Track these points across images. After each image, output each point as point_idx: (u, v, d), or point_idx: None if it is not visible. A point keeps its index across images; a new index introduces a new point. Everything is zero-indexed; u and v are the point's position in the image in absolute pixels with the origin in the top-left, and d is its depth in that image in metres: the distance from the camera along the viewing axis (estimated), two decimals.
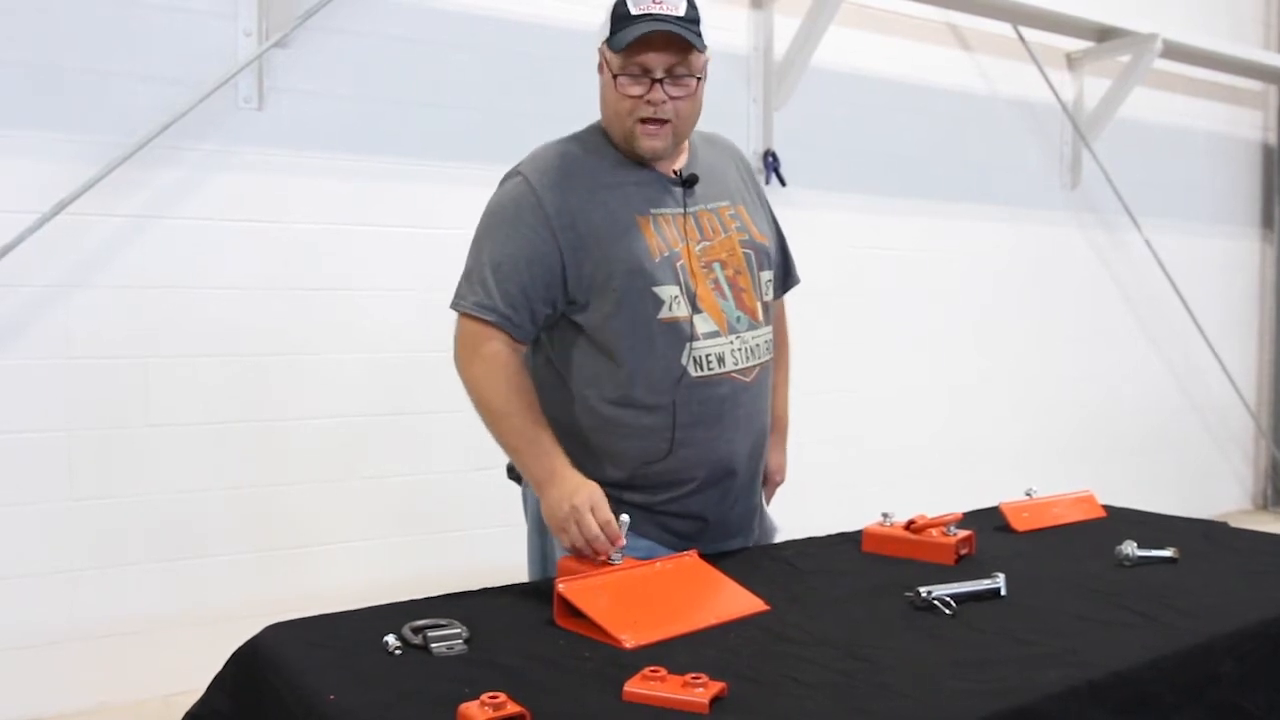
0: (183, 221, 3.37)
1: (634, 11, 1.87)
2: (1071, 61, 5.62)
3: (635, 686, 1.32)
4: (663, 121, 1.93)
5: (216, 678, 1.57)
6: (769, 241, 2.14)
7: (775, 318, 2.23)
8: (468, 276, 1.97)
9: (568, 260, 1.92)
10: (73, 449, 3.24)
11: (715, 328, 1.97)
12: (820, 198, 4.70)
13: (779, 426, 2.33)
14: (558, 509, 1.80)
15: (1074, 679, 1.43)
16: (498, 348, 1.91)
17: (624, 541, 1.77)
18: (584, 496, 1.79)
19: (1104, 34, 5.40)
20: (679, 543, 1.99)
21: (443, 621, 1.56)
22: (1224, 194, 6.55)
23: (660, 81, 1.90)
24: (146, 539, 3.35)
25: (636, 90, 1.90)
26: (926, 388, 5.12)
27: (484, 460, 3.92)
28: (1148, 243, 5.85)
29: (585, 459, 1.96)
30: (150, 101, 3.25)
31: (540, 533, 2.09)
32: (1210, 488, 6.56)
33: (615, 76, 1.91)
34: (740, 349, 2.00)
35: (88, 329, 3.24)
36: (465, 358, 1.94)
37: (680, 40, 1.86)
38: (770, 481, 2.30)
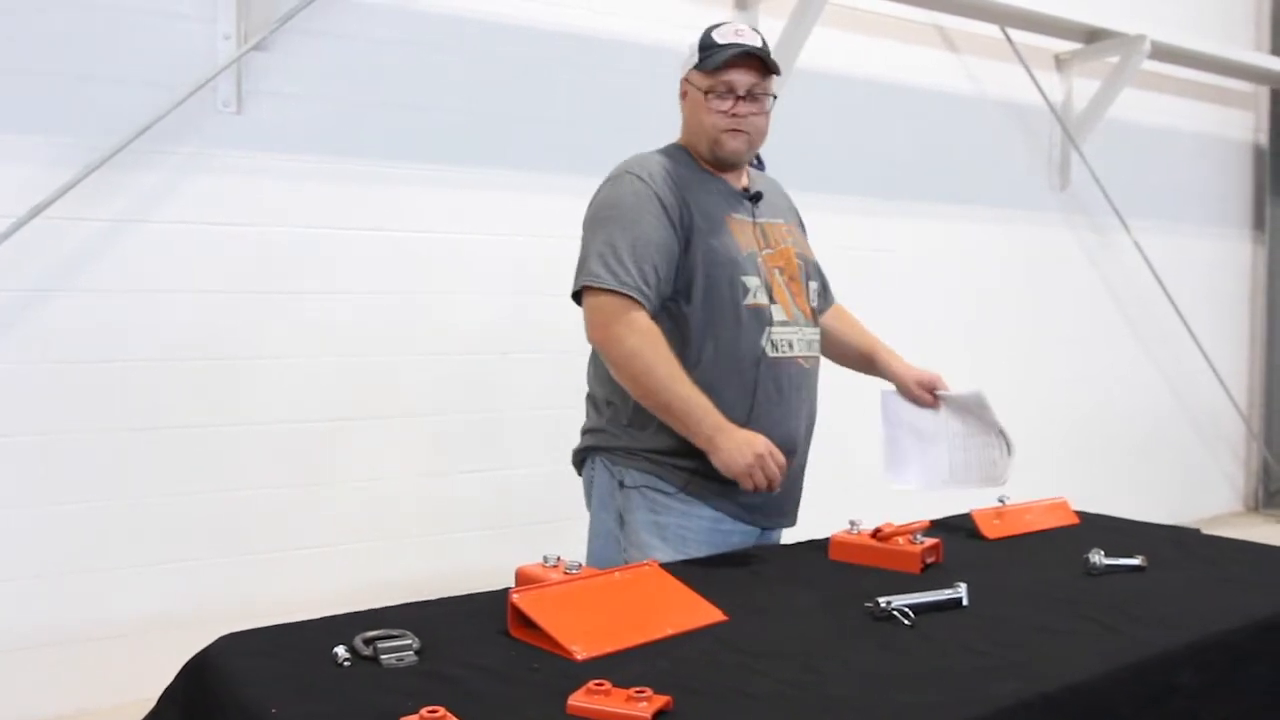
0: (161, 225, 3.36)
1: (721, 41, 2.23)
2: (1060, 63, 5.62)
3: (579, 700, 1.31)
4: (743, 131, 2.25)
5: (167, 689, 1.56)
6: (814, 258, 2.46)
7: (838, 316, 2.67)
8: (600, 258, 2.15)
9: (680, 248, 2.18)
10: (50, 452, 3.23)
11: (786, 318, 2.27)
12: (806, 200, 4.61)
13: (877, 344, 2.70)
14: (740, 456, 2.05)
15: (1026, 692, 1.42)
16: (645, 320, 2.13)
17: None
18: (763, 442, 2.07)
19: (1092, 35, 5.40)
20: (744, 514, 2.24)
21: (395, 632, 1.55)
22: (1214, 195, 6.54)
23: (742, 99, 2.22)
24: (125, 543, 3.34)
25: (724, 105, 2.23)
26: None
27: (462, 464, 3.95)
28: (1137, 244, 5.84)
29: (664, 429, 2.17)
30: (129, 105, 3.24)
31: (606, 509, 2.27)
32: (1202, 490, 6.56)
33: (705, 94, 2.23)
34: (802, 339, 2.32)
35: (65, 332, 3.23)
36: (617, 332, 2.12)
37: (760, 62, 2.22)
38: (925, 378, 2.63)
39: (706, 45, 2.25)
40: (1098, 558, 2.03)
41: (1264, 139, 6.74)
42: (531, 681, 1.43)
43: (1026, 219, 5.54)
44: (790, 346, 2.28)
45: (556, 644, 1.53)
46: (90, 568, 3.29)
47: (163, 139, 3.31)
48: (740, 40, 2.22)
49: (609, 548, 2.27)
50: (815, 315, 2.40)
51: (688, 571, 1.87)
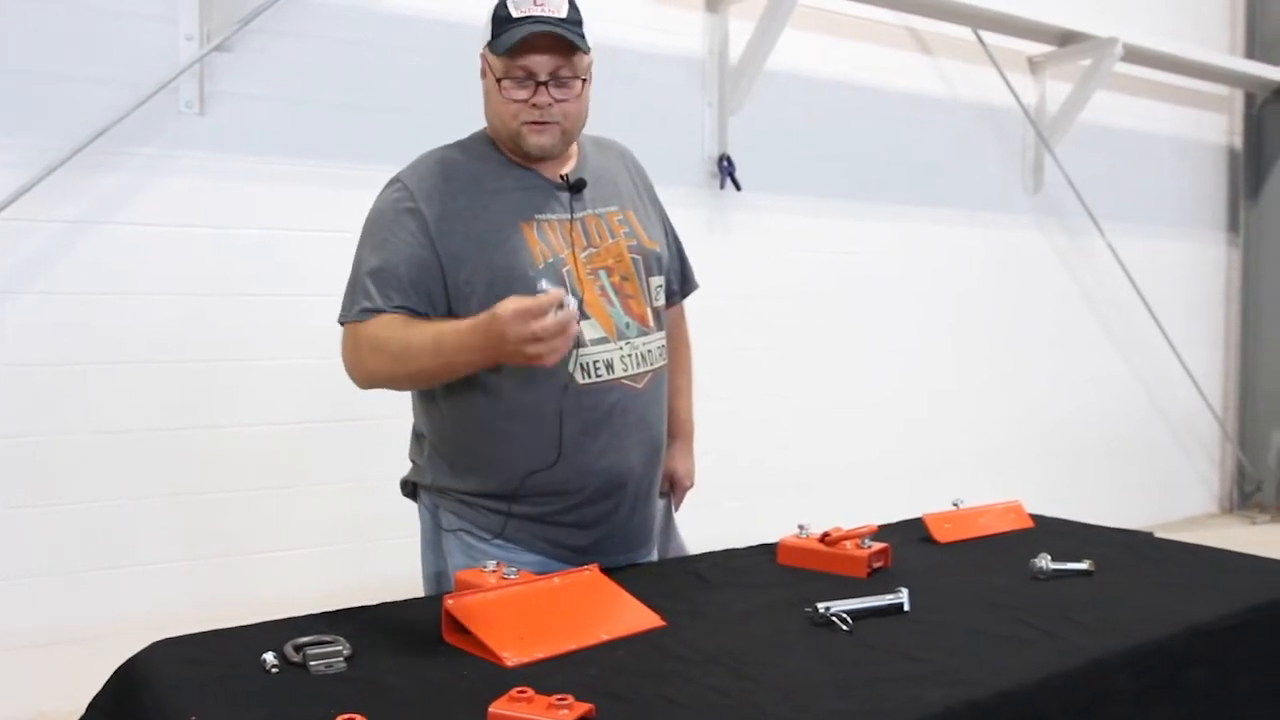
0: (124, 226, 3.34)
1: (515, 14, 1.87)
2: (1033, 65, 5.63)
3: (500, 708, 1.30)
4: (550, 123, 1.93)
5: (96, 696, 1.54)
6: (660, 247, 2.13)
7: (673, 322, 2.24)
8: (351, 288, 1.94)
9: (447, 266, 1.91)
10: (11, 456, 3.21)
11: (604, 334, 1.97)
12: (777, 202, 4.69)
13: (683, 431, 2.33)
14: (512, 352, 1.69)
15: (954, 699, 1.41)
16: (381, 327, 1.87)
17: (563, 296, 1.68)
18: (496, 331, 1.68)
19: (1065, 38, 5.42)
20: (572, 556, 1.97)
21: (327, 638, 1.54)
22: (1189, 198, 6.57)
23: (545, 84, 1.90)
24: (87, 546, 3.31)
25: (521, 94, 1.90)
26: (887, 394, 5.11)
27: None
28: (1111, 247, 5.85)
29: (472, 469, 1.98)
30: (90, 106, 3.22)
31: (434, 550, 2.08)
32: (1177, 492, 6.59)
33: (499, 80, 1.91)
34: (630, 355, 1.99)
35: (27, 334, 3.21)
36: (355, 358, 1.91)
37: (564, 42, 1.87)
38: (679, 487, 2.31)
39: (500, 17, 1.89)
40: (1044, 562, 2.03)
41: (1238, 142, 6.76)
42: (458, 689, 1.42)
43: (1000, 222, 5.54)
44: (609, 368, 1.96)
45: (488, 650, 1.52)
46: (52, 571, 3.27)
47: (124, 140, 3.29)
48: (540, 12, 1.87)
49: (431, 588, 2.11)
50: (658, 317, 2.08)
51: (630, 577, 1.87)
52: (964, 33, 5.22)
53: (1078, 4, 5.39)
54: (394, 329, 1.86)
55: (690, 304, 2.38)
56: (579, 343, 1.91)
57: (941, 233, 5.29)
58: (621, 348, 1.98)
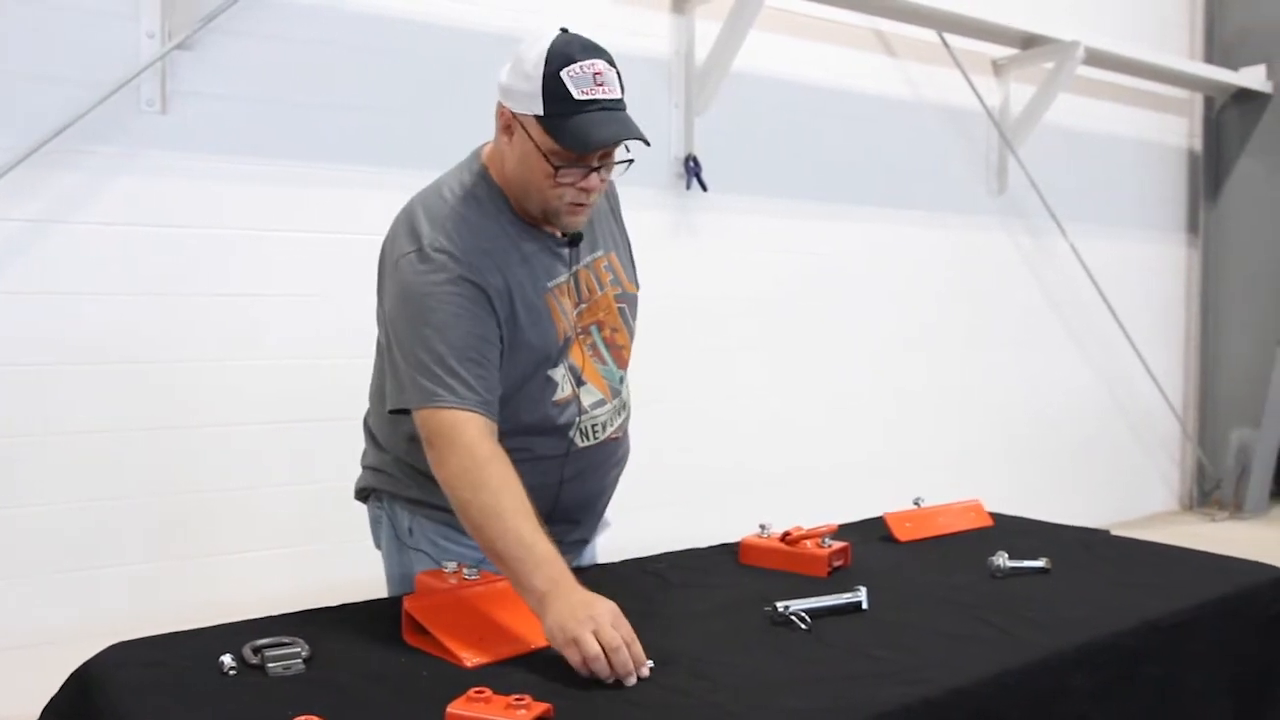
0: (84, 226, 3.30)
1: (577, 95, 1.71)
2: (997, 68, 5.67)
3: (458, 708, 1.31)
4: (589, 204, 1.85)
5: (51, 701, 1.54)
6: (637, 290, 2.09)
7: None
8: (426, 370, 1.74)
9: (505, 341, 1.83)
10: None
11: (600, 396, 1.96)
12: (743, 203, 4.71)
13: None
14: (569, 620, 1.50)
15: (910, 697, 1.43)
16: (476, 435, 1.72)
17: (646, 672, 1.50)
18: (604, 607, 1.53)
19: (1028, 41, 5.46)
20: None
21: (286, 640, 1.54)
22: (1150, 200, 6.64)
23: (597, 169, 1.80)
24: (49, 550, 3.27)
25: (571, 178, 1.78)
26: (854, 394, 5.13)
27: None
28: (1073, 248, 5.91)
29: None
30: (49, 103, 3.18)
31: (398, 552, 2.05)
32: (1139, 490, 6.67)
33: (549, 160, 1.75)
34: (619, 409, 2.01)
35: None
36: (443, 453, 1.73)
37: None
38: None
39: (557, 94, 1.71)
40: (1001, 560, 2.05)
41: (1198, 144, 6.84)
42: (417, 689, 1.43)
43: (964, 223, 5.58)
44: (603, 429, 1.96)
45: (447, 651, 1.52)
46: (12, 574, 3.22)
47: (84, 138, 3.25)
48: (602, 94, 1.73)
49: (396, 591, 2.05)
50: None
51: (590, 577, 1.86)
52: (928, 35, 5.25)
53: (1040, 7, 5.44)
54: (495, 477, 1.69)
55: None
56: (580, 410, 1.92)
57: (906, 234, 5.31)
58: (611, 409, 1.99)
